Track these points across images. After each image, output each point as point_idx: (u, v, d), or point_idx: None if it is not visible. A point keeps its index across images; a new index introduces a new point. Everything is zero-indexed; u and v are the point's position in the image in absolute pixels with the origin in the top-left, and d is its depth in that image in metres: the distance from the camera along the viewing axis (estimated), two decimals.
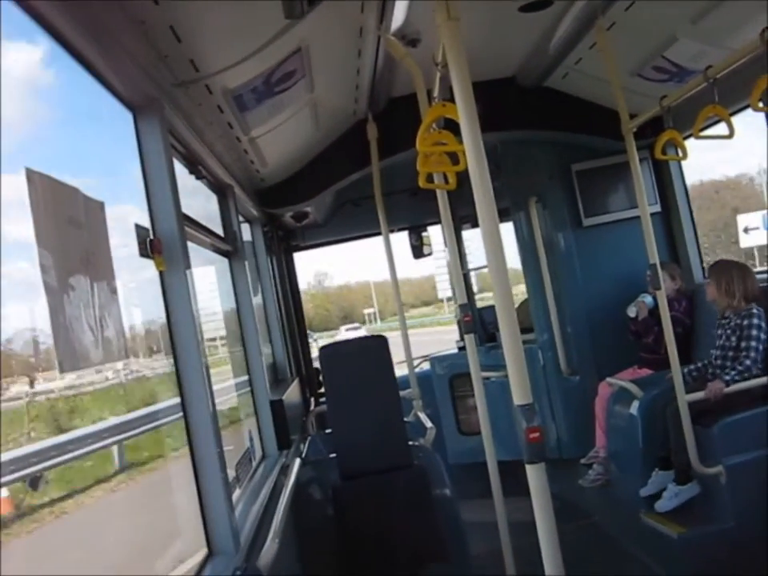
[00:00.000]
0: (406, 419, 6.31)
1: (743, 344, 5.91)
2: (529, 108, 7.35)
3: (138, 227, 3.16)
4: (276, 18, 3.73)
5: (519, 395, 2.88)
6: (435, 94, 4.55)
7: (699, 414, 5.86)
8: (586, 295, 7.84)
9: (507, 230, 8.90)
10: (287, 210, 7.56)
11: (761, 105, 4.64)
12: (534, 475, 2.92)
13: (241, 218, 6.19)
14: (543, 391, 8.22)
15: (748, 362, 5.85)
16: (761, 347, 5.88)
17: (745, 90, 4.75)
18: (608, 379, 6.98)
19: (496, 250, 2.90)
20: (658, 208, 7.77)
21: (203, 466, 3.45)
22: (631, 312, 7.31)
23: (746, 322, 5.96)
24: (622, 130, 5.78)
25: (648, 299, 7.22)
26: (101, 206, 2.64)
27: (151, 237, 3.28)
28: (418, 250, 10.10)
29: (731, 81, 5.09)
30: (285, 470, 5.31)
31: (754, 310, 5.98)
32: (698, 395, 5.86)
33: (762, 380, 5.86)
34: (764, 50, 4.26)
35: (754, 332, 5.90)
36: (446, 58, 2.94)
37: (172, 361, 3.48)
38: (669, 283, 7.01)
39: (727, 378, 5.85)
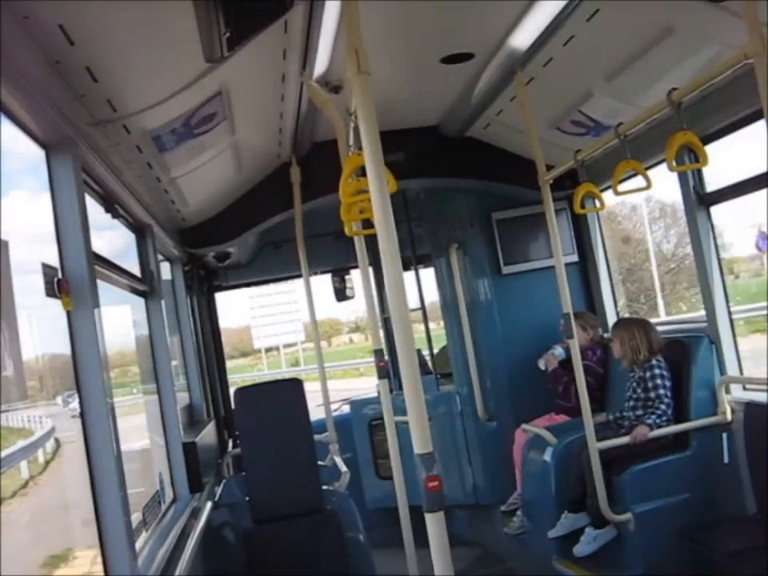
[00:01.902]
0: (322, 463, 6.30)
1: (652, 394, 6.05)
2: (451, 156, 7.46)
3: (44, 266, 3.12)
4: (196, 61, 3.76)
5: (419, 444, 2.90)
6: (351, 142, 4.61)
7: (611, 461, 5.97)
8: (505, 341, 7.92)
9: (430, 275, 9.02)
10: (209, 250, 7.52)
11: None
12: (433, 524, 2.93)
13: (161, 257, 6.15)
14: (460, 436, 8.26)
15: (663, 407, 5.99)
16: (669, 393, 6.02)
17: (659, 144, 4.90)
18: (523, 426, 7.05)
19: (399, 297, 2.93)
20: (575, 258, 7.92)
21: (105, 509, 3.39)
22: (541, 365, 7.42)
23: (648, 374, 6.11)
24: (539, 181, 5.91)
25: (558, 351, 7.34)
26: (4, 245, 2.60)
27: (59, 276, 3.24)
28: (341, 293, 10.12)
29: (646, 136, 5.26)
30: (196, 514, 5.24)
31: (654, 362, 6.14)
32: (610, 443, 5.96)
33: (680, 426, 6.01)
34: (671, 110, 4.42)
35: (659, 381, 6.05)
36: (357, 108, 2.98)
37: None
38: (581, 334, 7.13)
39: (649, 421, 5.97)
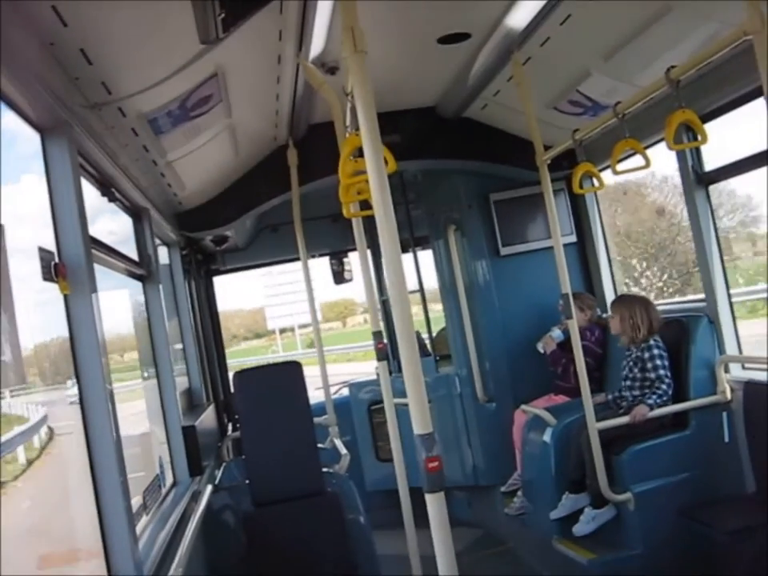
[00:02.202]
0: (321, 446, 6.30)
1: (652, 374, 6.04)
2: (449, 138, 7.44)
3: (41, 250, 3.10)
4: (191, 43, 3.73)
5: (419, 425, 2.90)
6: (348, 122, 4.59)
7: (610, 441, 5.97)
8: (503, 323, 7.91)
9: (428, 256, 9.01)
10: (206, 234, 7.51)
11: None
12: (433, 504, 2.93)
13: (158, 242, 6.14)
14: (460, 418, 8.27)
15: (664, 387, 5.99)
16: (668, 373, 6.02)
17: (659, 123, 4.88)
18: (522, 407, 7.05)
19: (398, 279, 2.92)
20: (573, 238, 7.90)
21: (105, 494, 3.39)
22: (539, 348, 7.45)
23: (646, 355, 6.10)
24: (537, 162, 5.89)
25: (555, 333, 7.37)
26: (1, 229, 2.59)
27: (56, 260, 3.23)
28: (339, 276, 10.11)
29: (645, 115, 5.24)
30: (196, 497, 5.24)
31: (651, 342, 6.14)
32: (610, 423, 5.97)
33: (679, 406, 6.01)
34: (670, 88, 4.39)
35: (658, 361, 6.05)
36: (353, 87, 2.96)
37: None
38: (579, 314, 7.12)
39: (650, 401, 5.97)
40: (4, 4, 2.68)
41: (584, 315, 7.22)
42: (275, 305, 37.84)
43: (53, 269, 3.16)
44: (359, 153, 3.51)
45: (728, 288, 6.12)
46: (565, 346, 7.28)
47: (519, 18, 4.99)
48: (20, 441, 4.63)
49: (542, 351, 7.44)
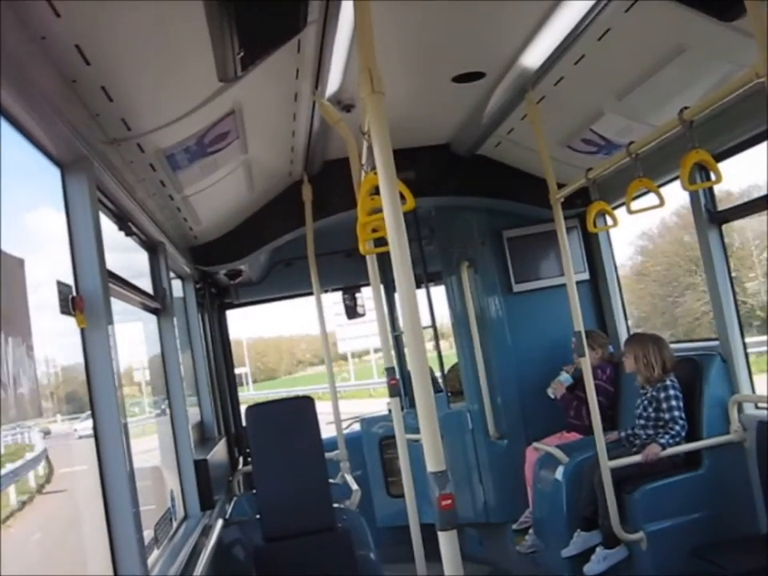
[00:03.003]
0: (332, 481, 6.29)
1: (667, 415, 6.02)
2: (462, 175, 7.48)
3: (59, 284, 3.14)
4: (209, 80, 3.79)
5: (432, 462, 2.90)
6: (363, 161, 4.63)
7: (622, 479, 5.94)
8: (516, 360, 7.91)
9: (441, 292, 9.03)
10: (220, 268, 7.55)
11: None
12: (446, 542, 2.93)
13: (173, 275, 6.18)
14: (471, 455, 8.24)
15: (677, 428, 5.97)
16: (683, 414, 6.00)
17: (672, 162, 4.91)
18: (534, 444, 7.04)
19: (413, 315, 2.94)
20: (586, 276, 7.92)
21: (118, 526, 3.40)
22: (550, 393, 7.46)
23: (662, 395, 6.08)
24: (550, 200, 5.92)
25: (564, 377, 7.38)
26: (20, 263, 2.62)
27: (73, 294, 3.26)
28: (352, 311, 10.15)
29: (657, 153, 5.27)
30: (207, 531, 5.24)
31: (668, 382, 6.12)
32: (622, 461, 5.95)
33: (692, 445, 5.98)
34: (683, 128, 4.42)
35: (673, 402, 6.02)
36: (370, 127, 3.00)
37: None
38: (589, 353, 7.11)
39: (662, 441, 5.95)
40: (29, 43, 2.74)
41: (595, 354, 7.21)
42: (348, 324, 36.20)
43: (70, 302, 3.19)
44: (376, 191, 3.55)
45: (741, 327, 6.11)
46: (575, 387, 7.29)
47: (533, 57, 5.04)
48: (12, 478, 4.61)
49: (552, 397, 7.44)
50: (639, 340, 6.49)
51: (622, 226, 6.07)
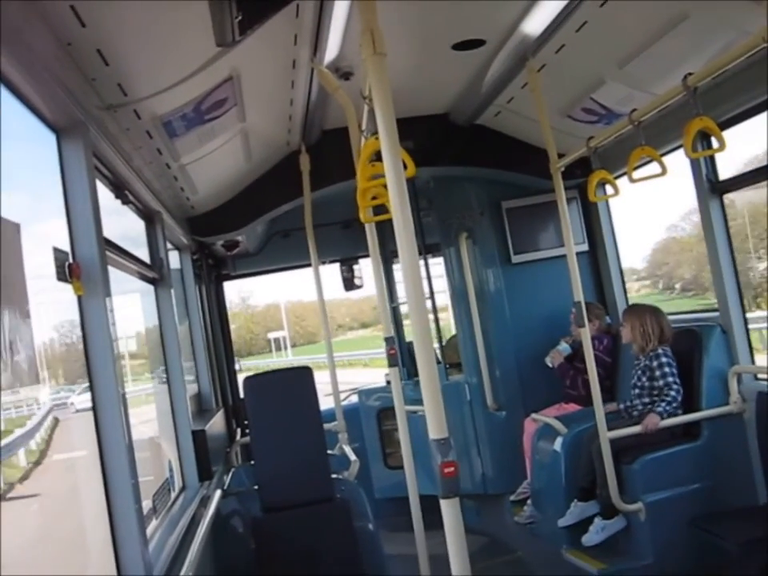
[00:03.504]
0: (330, 452, 6.28)
1: (661, 382, 6.03)
2: (461, 144, 7.43)
3: (56, 250, 3.10)
4: (207, 45, 3.72)
5: (435, 429, 2.87)
6: (364, 126, 4.58)
7: (621, 450, 5.94)
8: (514, 331, 7.90)
9: (439, 264, 8.99)
10: (217, 239, 7.50)
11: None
12: (448, 510, 2.90)
13: (169, 246, 6.13)
14: (469, 426, 8.24)
15: (673, 393, 5.98)
16: (677, 380, 6.00)
17: (674, 131, 4.86)
18: (533, 415, 7.04)
19: (416, 285, 2.90)
20: (585, 247, 7.89)
21: (117, 496, 3.38)
22: (548, 362, 7.48)
23: (655, 363, 6.09)
24: (551, 170, 5.87)
25: (562, 346, 7.39)
26: (16, 227, 2.58)
27: (70, 261, 3.22)
28: (350, 282, 10.11)
29: (660, 123, 5.22)
30: (205, 502, 5.23)
31: (660, 351, 6.14)
32: (621, 432, 5.94)
33: (691, 416, 5.99)
34: (686, 96, 4.37)
35: (666, 369, 6.04)
36: (372, 90, 2.94)
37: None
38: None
39: (659, 409, 5.95)
40: (22, 3, 2.68)
41: (592, 325, 7.18)
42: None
43: (67, 269, 3.15)
44: (376, 157, 3.50)
45: (741, 298, 6.09)
46: (573, 358, 7.28)
47: (534, 24, 4.98)
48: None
49: (550, 365, 7.44)
50: (637, 310, 6.48)
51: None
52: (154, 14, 3.34)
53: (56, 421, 5.27)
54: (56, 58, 3.11)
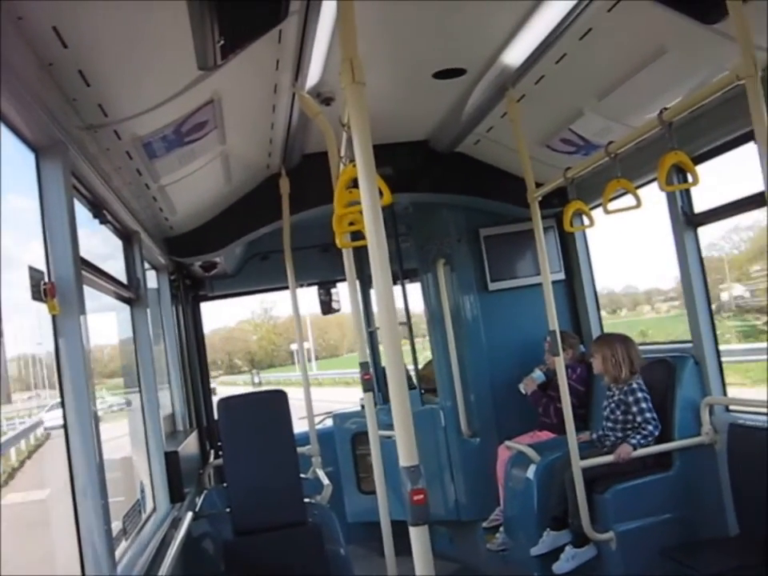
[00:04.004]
0: (304, 476, 6.26)
1: (639, 418, 6.04)
2: (440, 172, 7.47)
3: (31, 269, 3.10)
4: (189, 68, 3.75)
5: (405, 456, 2.88)
6: (342, 153, 4.61)
7: (593, 479, 5.96)
8: (490, 358, 7.92)
9: (417, 288, 9.01)
10: (196, 260, 7.50)
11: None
12: (417, 537, 2.91)
13: (147, 265, 6.13)
14: (443, 452, 8.23)
15: (650, 428, 6.00)
16: (654, 415, 6.02)
17: (650, 164, 4.92)
18: (506, 443, 7.05)
19: (389, 311, 2.92)
20: (562, 275, 7.93)
21: (85, 516, 3.36)
22: (521, 389, 7.50)
23: (630, 398, 6.11)
24: (528, 199, 5.92)
25: (536, 374, 7.43)
26: None
27: (45, 280, 3.22)
28: (327, 306, 10.12)
29: (636, 155, 5.28)
30: (176, 524, 5.20)
31: (634, 384, 6.15)
32: (594, 461, 5.96)
33: (663, 446, 6.01)
34: (662, 130, 4.43)
35: (643, 404, 6.05)
36: (350, 118, 2.97)
37: None
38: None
39: (633, 441, 5.97)
40: (5, 23, 2.69)
41: (566, 354, 7.20)
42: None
43: (42, 289, 3.15)
44: (353, 184, 3.53)
45: (714, 330, 6.15)
46: (546, 386, 7.32)
47: (515, 55, 5.03)
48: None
49: (523, 392, 7.46)
50: (607, 340, 6.50)
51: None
52: (137, 36, 3.36)
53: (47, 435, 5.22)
54: (37, 78, 3.12)
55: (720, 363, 6.19)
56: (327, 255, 9.08)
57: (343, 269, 5.48)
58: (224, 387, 40.84)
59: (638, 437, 5.99)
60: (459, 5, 4.33)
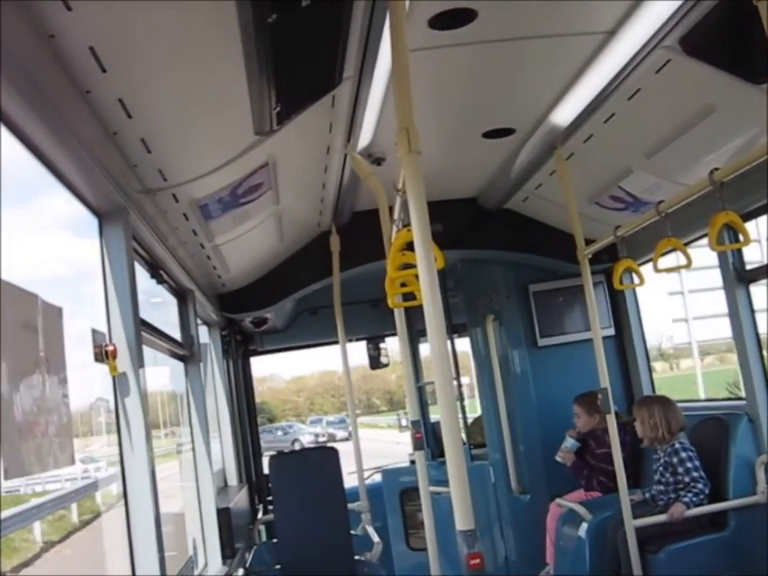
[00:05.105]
0: (353, 532, 6.26)
1: (687, 478, 5.96)
2: (489, 228, 7.52)
3: (94, 332, 3.19)
4: (245, 134, 3.86)
5: (462, 520, 2.88)
6: (396, 216, 4.68)
7: (646, 539, 5.87)
8: (539, 414, 7.87)
9: (466, 344, 9.03)
10: (247, 316, 7.60)
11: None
12: None
13: (199, 321, 6.22)
14: (493, 509, 8.17)
15: (700, 486, 5.92)
16: (702, 473, 5.94)
17: (699, 220, 4.92)
18: (557, 500, 6.97)
19: (444, 367, 2.93)
20: (612, 331, 7.90)
21: (143, 572, 3.40)
22: (559, 459, 7.40)
23: (675, 459, 6.04)
24: (578, 255, 5.94)
25: (570, 443, 7.32)
26: (59, 311, 2.67)
27: (107, 342, 3.30)
28: (376, 360, 10.17)
29: (685, 210, 5.28)
30: None
31: (677, 445, 6.08)
32: (647, 520, 5.88)
33: (718, 506, 5.91)
34: (712, 189, 4.44)
35: (689, 464, 5.98)
36: (406, 186, 3.02)
37: None
38: (587, 419, 7.16)
39: (686, 499, 5.89)
40: (75, 96, 2.82)
41: (593, 419, 7.16)
42: None
43: (104, 351, 3.23)
44: (406, 246, 3.58)
45: None
46: (583, 451, 7.23)
47: (563, 115, 5.09)
48: None
49: (560, 461, 7.38)
50: (645, 403, 6.46)
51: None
52: (197, 105, 3.48)
53: None
54: (102, 147, 3.23)
55: None
56: (375, 310, 9.15)
57: (391, 323, 5.52)
58: (367, 431, 39.61)
59: (690, 495, 5.91)
60: (509, 65, 4.41)
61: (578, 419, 7.23)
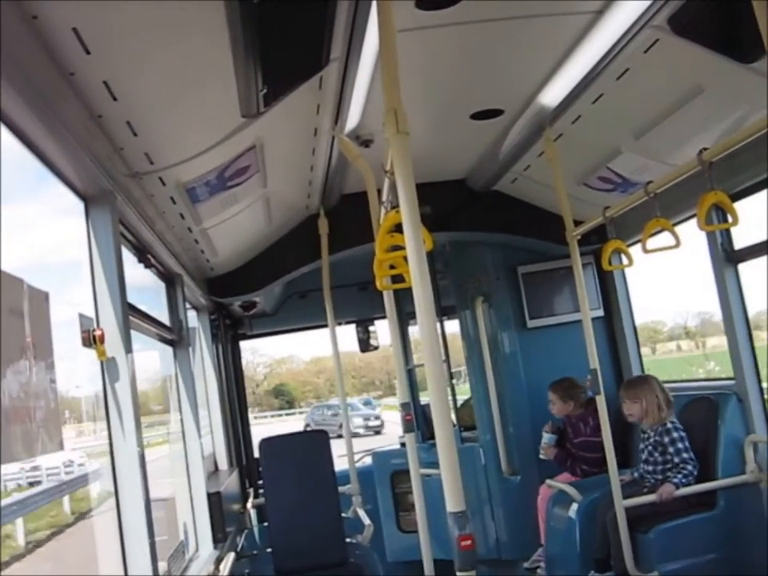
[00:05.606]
0: (344, 515, 6.27)
1: (676, 458, 5.98)
2: (478, 210, 7.50)
3: (81, 317, 3.17)
4: (232, 116, 3.83)
5: (452, 502, 2.88)
6: (384, 198, 4.66)
7: (636, 519, 5.90)
8: (529, 396, 7.88)
9: (455, 326, 9.03)
10: (236, 300, 7.58)
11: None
12: None
13: (188, 305, 6.20)
14: (484, 491, 8.19)
15: (689, 467, 5.94)
16: (692, 454, 5.97)
17: (688, 200, 4.92)
18: (548, 481, 6.99)
19: (433, 350, 2.92)
20: (601, 312, 7.90)
21: (133, 557, 3.40)
22: (542, 456, 7.42)
23: (666, 439, 6.05)
24: (567, 237, 5.93)
25: (547, 437, 7.33)
26: (45, 296, 2.64)
27: (94, 327, 3.28)
28: (365, 343, 10.17)
29: (674, 192, 5.28)
30: (218, 564, 5.22)
31: (669, 425, 6.10)
32: (636, 500, 5.91)
33: (707, 485, 5.95)
34: (701, 169, 4.44)
35: (680, 445, 6.00)
36: (394, 167, 3.00)
37: None
38: (562, 405, 7.19)
39: (675, 480, 5.91)
40: (57, 78, 2.79)
41: (568, 406, 7.19)
42: None
43: (91, 335, 3.21)
44: (395, 228, 3.56)
45: (757, 367, 6.09)
46: (562, 440, 7.26)
47: (552, 95, 5.07)
48: None
49: (544, 458, 7.40)
50: (641, 384, 6.41)
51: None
52: (183, 87, 3.45)
53: None
54: (87, 130, 3.20)
55: (764, 400, 6.13)
56: (365, 293, 9.14)
57: (380, 306, 5.50)
58: (391, 414, 37.83)
59: (680, 476, 5.93)
60: (497, 45, 4.38)
61: (553, 405, 7.27)
